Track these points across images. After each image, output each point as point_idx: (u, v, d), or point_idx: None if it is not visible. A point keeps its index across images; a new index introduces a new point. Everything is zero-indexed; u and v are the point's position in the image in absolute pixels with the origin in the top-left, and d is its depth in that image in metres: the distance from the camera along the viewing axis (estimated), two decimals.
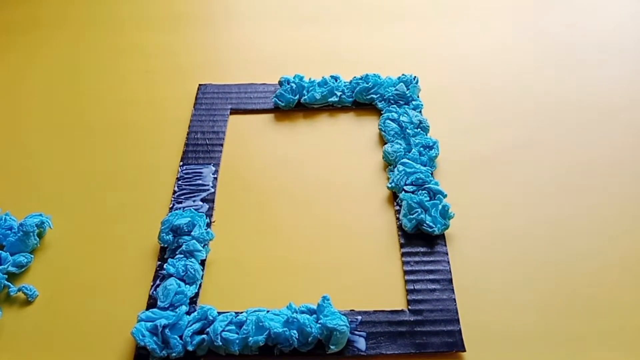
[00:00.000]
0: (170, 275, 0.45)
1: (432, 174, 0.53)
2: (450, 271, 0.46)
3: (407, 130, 0.56)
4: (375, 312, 0.44)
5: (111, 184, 0.54)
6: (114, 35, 0.72)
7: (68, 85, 0.65)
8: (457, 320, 0.43)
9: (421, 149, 0.54)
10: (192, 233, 0.48)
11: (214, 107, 0.61)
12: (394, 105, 0.59)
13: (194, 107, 0.61)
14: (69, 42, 0.72)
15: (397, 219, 0.50)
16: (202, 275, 0.46)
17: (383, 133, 0.57)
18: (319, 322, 0.41)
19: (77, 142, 0.59)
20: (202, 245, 0.48)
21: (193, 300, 0.45)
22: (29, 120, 0.61)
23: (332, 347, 0.41)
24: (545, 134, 0.58)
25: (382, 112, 0.59)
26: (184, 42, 0.71)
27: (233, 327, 0.42)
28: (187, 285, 0.45)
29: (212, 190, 0.53)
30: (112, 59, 0.69)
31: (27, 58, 0.69)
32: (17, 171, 0.56)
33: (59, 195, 0.53)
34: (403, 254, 0.48)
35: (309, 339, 0.41)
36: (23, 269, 0.47)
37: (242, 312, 0.43)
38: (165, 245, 0.48)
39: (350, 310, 0.44)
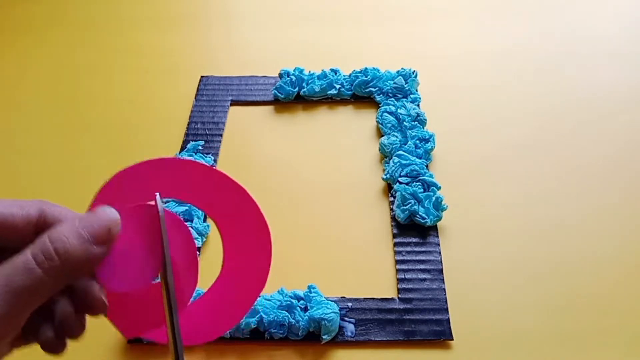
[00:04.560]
0: None
1: (427, 166, 0.53)
2: (441, 262, 0.47)
3: (404, 123, 0.57)
4: (365, 299, 0.44)
5: None
6: (112, 35, 0.73)
7: (66, 85, 0.66)
8: (446, 310, 0.44)
9: (417, 141, 0.55)
10: (192, 224, 0.49)
11: (214, 99, 0.62)
12: (392, 99, 0.60)
13: (195, 98, 0.62)
14: (67, 42, 0.72)
15: (391, 209, 0.51)
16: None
17: (380, 126, 0.58)
18: (306, 314, 0.42)
19: (76, 142, 0.59)
20: (198, 234, 0.48)
21: None
22: (27, 120, 0.62)
23: (324, 336, 0.42)
24: (543, 132, 0.58)
25: (380, 105, 0.60)
26: (183, 41, 0.71)
27: None
28: None
29: None
30: (111, 58, 0.69)
31: (25, 58, 0.70)
32: (15, 171, 0.56)
33: (58, 195, 0.54)
34: (395, 244, 0.48)
35: (299, 333, 0.42)
36: None
37: None
38: None
39: (341, 297, 0.45)
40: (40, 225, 0.26)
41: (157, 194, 0.26)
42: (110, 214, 0.25)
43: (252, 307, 0.27)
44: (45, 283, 0.22)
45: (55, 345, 0.25)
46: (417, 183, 0.51)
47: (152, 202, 0.26)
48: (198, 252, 0.27)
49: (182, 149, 0.57)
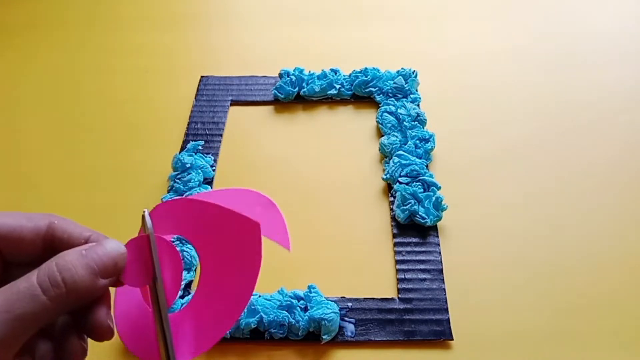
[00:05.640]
0: None
1: (427, 166, 0.53)
2: (441, 262, 0.47)
3: (404, 123, 0.57)
4: (365, 299, 0.44)
5: (112, 182, 0.55)
6: (112, 35, 0.73)
7: (66, 85, 0.66)
8: (446, 310, 0.44)
9: (417, 141, 0.55)
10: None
11: (214, 99, 0.62)
12: (392, 99, 0.60)
13: (195, 98, 0.62)
14: (67, 42, 0.72)
15: (391, 209, 0.51)
16: (199, 261, 0.47)
17: (380, 126, 0.58)
18: (306, 314, 0.42)
19: (76, 142, 0.59)
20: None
21: (187, 286, 0.46)
22: (28, 120, 0.62)
23: (324, 336, 0.42)
24: (543, 132, 0.58)
25: (380, 105, 0.60)
26: (183, 42, 0.71)
27: None
28: (184, 272, 0.46)
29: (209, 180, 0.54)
30: (111, 58, 0.69)
31: (26, 58, 0.70)
32: (16, 171, 0.56)
33: (58, 195, 0.54)
34: (395, 244, 0.48)
35: (299, 333, 0.42)
36: None
37: None
38: None
39: (341, 297, 0.45)
40: (49, 238, 0.25)
41: (145, 210, 0.27)
42: (117, 247, 0.25)
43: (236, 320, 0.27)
44: (49, 310, 0.22)
45: None
46: (417, 183, 0.51)
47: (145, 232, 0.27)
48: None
49: (182, 149, 0.57)
